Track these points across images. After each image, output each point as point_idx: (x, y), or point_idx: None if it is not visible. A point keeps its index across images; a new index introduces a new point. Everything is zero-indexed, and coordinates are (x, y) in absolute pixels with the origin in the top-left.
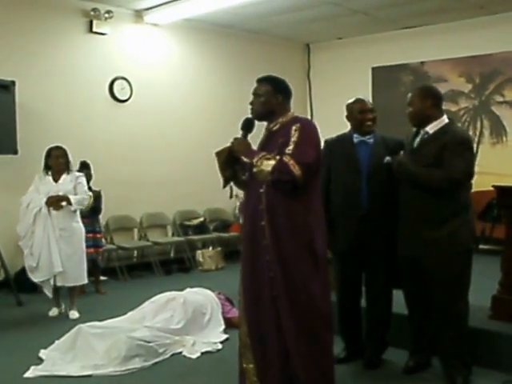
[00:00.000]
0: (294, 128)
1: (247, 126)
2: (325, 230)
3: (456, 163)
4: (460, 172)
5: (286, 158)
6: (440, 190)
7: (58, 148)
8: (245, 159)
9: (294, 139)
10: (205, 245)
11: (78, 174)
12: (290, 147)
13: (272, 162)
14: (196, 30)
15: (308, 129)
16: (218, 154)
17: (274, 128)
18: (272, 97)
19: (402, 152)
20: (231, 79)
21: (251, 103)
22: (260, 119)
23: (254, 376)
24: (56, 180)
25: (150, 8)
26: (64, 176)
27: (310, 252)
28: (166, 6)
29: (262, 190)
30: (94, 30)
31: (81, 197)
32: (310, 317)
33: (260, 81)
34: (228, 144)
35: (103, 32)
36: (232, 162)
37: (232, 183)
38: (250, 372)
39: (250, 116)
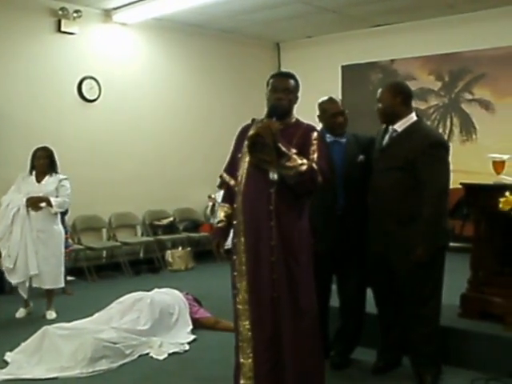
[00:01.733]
0: (313, 136)
1: (276, 114)
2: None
3: (437, 170)
4: (443, 177)
5: (315, 167)
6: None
7: (42, 149)
8: (282, 147)
9: (314, 148)
10: (174, 245)
11: (62, 176)
12: (314, 156)
13: (305, 164)
14: (165, 30)
15: (324, 141)
16: (263, 130)
17: (280, 127)
18: (295, 95)
19: (361, 156)
20: (201, 78)
21: (280, 98)
22: (283, 116)
23: (251, 371)
24: (39, 181)
25: (119, 7)
26: (47, 177)
27: (310, 255)
28: (134, 5)
29: (272, 190)
30: (63, 29)
31: (62, 200)
32: (309, 318)
33: (288, 76)
34: (260, 126)
35: (72, 32)
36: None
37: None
38: (246, 367)
39: (274, 104)
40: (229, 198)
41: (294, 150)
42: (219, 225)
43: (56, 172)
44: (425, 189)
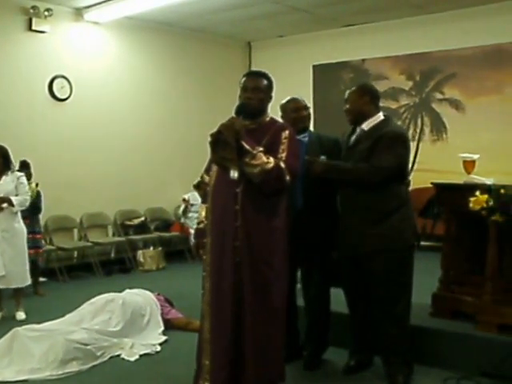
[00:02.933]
0: (284, 135)
1: (245, 113)
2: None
3: (384, 156)
4: (387, 162)
5: (282, 165)
6: (370, 183)
7: None
8: (245, 146)
9: (284, 147)
10: (146, 245)
11: (18, 173)
12: (283, 154)
13: (271, 162)
14: (137, 28)
15: (295, 139)
16: (226, 127)
17: (251, 126)
18: (268, 95)
19: (323, 157)
20: (171, 78)
21: (249, 97)
22: (254, 116)
23: (207, 373)
24: None
25: (90, 6)
26: (4, 177)
27: (285, 256)
28: (105, 4)
29: (238, 190)
30: (34, 28)
31: (22, 198)
32: (277, 322)
33: (259, 75)
34: (224, 122)
35: (43, 30)
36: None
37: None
38: (205, 368)
39: (242, 103)
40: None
41: (260, 148)
42: (200, 225)
43: (11, 170)
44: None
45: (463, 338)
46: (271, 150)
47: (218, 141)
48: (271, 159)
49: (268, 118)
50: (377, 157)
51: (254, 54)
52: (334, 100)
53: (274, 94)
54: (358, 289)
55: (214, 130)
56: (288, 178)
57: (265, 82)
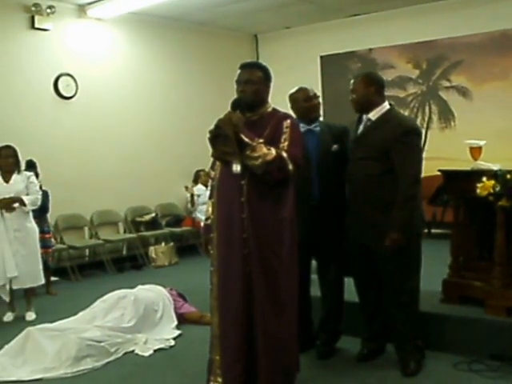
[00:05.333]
0: (285, 124)
1: (241, 107)
2: (297, 223)
3: (411, 162)
4: (413, 169)
5: (284, 155)
6: (417, 191)
7: (7, 147)
8: (244, 138)
9: (286, 136)
10: (157, 241)
11: (28, 173)
12: (285, 144)
13: (272, 153)
14: (141, 24)
15: (297, 128)
16: (224, 122)
17: (253, 118)
18: (263, 85)
19: (335, 146)
20: (178, 72)
21: (242, 91)
22: (250, 109)
23: (218, 368)
24: (7, 181)
25: (93, 2)
26: (14, 176)
27: (293, 246)
28: None
29: (243, 182)
30: (36, 26)
31: (34, 197)
32: (289, 311)
33: (251, 67)
34: (221, 117)
35: (46, 28)
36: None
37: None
38: (216, 363)
39: (237, 97)
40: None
41: (260, 140)
42: (208, 221)
43: (21, 170)
44: (398, 176)
45: (473, 323)
46: (273, 141)
47: (218, 136)
48: (272, 150)
49: (269, 109)
50: (400, 159)
51: (261, 46)
52: (342, 90)
53: (282, 86)
54: (368, 277)
55: (212, 126)
56: (291, 167)
57: (258, 73)
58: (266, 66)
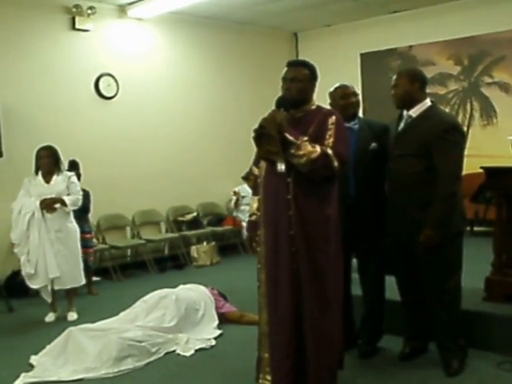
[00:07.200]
0: (330, 121)
1: (285, 105)
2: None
3: (452, 160)
4: (453, 165)
5: (329, 152)
6: (456, 188)
7: (45, 148)
8: (289, 137)
9: (331, 133)
10: (199, 240)
11: (69, 173)
12: (330, 141)
13: (317, 150)
14: (181, 23)
15: (343, 125)
16: (267, 121)
17: (298, 115)
18: (309, 83)
19: (374, 144)
20: (218, 72)
21: (287, 88)
22: (296, 106)
23: (267, 366)
24: (47, 181)
25: (134, 2)
26: (55, 177)
27: (338, 243)
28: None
29: (289, 180)
30: (77, 26)
31: (75, 197)
32: (335, 309)
33: (297, 65)
34: (266, 115)
35: (86, 29)
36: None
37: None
38: (264, 361)
39: (282, 95)
40: (258, 190)
41: (304, 138)
42: (252, 218)
43: (61, 170)
44: (438, 173)
45: None
46: (319, 138)
47: (262, 135)
48: (317, 147)
49: (314, 106)
50: (441, 156)
51: (301, 44)
52: (382, 88)
53: (322, 84)
54: (409, 275)
55: (256, 125)
56: (336, 164)
57: (304, 70)
58: (313, 65)
